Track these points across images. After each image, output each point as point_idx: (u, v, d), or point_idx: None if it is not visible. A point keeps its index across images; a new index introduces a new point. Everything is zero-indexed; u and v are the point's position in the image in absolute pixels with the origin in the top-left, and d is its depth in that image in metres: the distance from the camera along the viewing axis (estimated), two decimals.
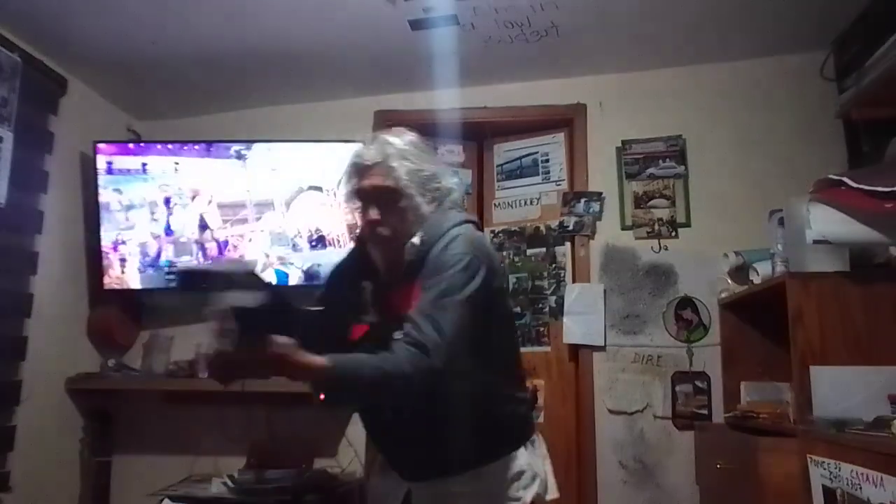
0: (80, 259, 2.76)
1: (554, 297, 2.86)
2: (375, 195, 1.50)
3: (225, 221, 2.80)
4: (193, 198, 2.81)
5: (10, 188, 2.25)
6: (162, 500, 2.33)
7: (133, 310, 2.93)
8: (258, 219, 2.80)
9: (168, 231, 2.80)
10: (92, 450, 2.63)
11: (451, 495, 1.49)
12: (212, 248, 2.80)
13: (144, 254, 2.79)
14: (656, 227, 2.74)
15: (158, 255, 2.80)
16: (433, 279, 1.41)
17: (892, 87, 2.00)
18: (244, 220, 2.80)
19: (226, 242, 2.80)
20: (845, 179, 1.81)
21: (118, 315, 2.85)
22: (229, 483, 2.41)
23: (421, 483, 1.53)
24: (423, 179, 1.50)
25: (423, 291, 1.41)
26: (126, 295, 2.84)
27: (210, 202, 2.80)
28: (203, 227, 2.80)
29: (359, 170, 1.51)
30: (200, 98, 2.98)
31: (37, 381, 2.44)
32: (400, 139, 1.53)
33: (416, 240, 1.49)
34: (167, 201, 2.80)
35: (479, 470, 1.50)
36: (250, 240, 2.79)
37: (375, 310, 1.56)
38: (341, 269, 1.70)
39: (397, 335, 1.37)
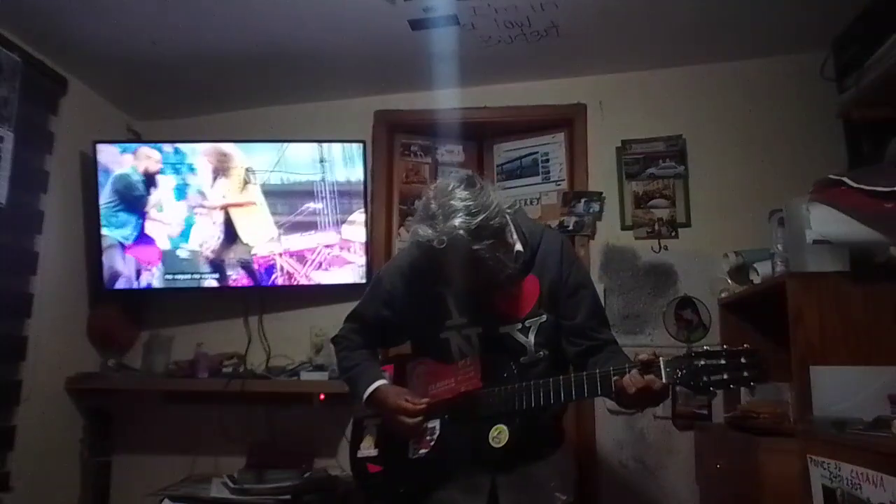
0: (80, 259, 2.76)
1: None
2: (453, 269, 1.55)
3: (240, 220, 2.82)
4: (205, 198, 2.82)
5: (10, 188, 2.25)
6: (162, 500, 2.33)
7: (133, 310, 2.93)
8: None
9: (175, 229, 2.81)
10: (92, 450, 2.63)
11: (536, 477, 1.65)
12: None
13: (146, 254, 2.79)
14: (656, 227, 2.74)
15: (162, 255, 2.81)
16: (580, 291, 1.69)
17: (892, 87, 1.99)
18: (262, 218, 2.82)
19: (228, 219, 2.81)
20: (845, 179, 1.81)
21: (118, 315, 2.85)
22: (229, 483, 2.41)
23: (509, 472, 1.64)
24: (494, 230, 1.52)
25: (573, 299, 1.67)
26: (126, 295, 2.84)
27: (223, 199, 2.82)
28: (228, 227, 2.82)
29: (431, 251, 1.51)
30: (200, 98, 2.98)
31: (37, 381, 2.44)
32: (460, 214, 1.48)
33: (518, 247, 1.66)
34: (175, 197, 2.82)
35: (555, 454, 1.72)
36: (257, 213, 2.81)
37: (470, 312, 1.69)
38: (404, 280, 1.77)
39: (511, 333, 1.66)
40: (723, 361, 1.36)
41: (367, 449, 1.80)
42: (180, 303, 2.93)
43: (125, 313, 2.88)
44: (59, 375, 2.60)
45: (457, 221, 1.47)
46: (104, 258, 2.77)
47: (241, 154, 2.82)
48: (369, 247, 2.83)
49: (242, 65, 2.68)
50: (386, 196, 2.99)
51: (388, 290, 1.79)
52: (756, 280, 2.23)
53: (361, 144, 2.85)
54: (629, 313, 2.70)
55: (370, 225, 2.86)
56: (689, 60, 2.77)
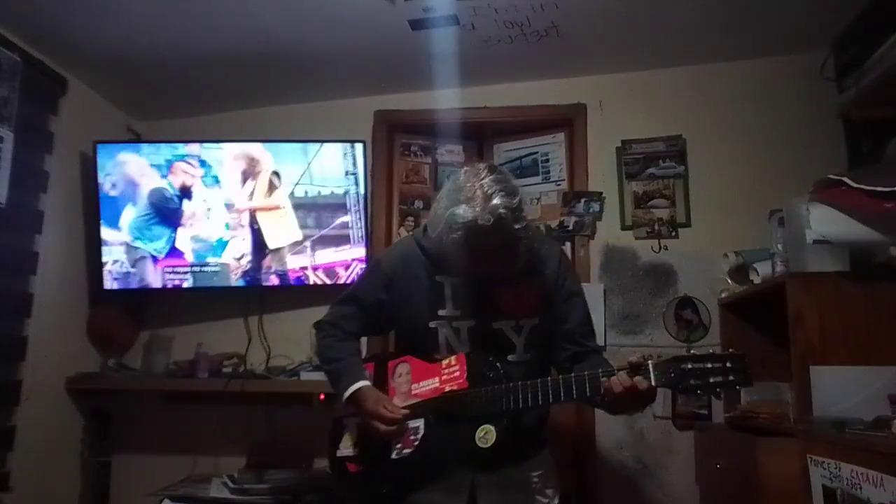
0: (80, 259, 2.76)
1: None
2: (493, 250, 1.54)
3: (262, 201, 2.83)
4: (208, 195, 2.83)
5: (10, 188, 2.25)
6: (162, 500, 2.33)
7: (133, 310, 2.93)
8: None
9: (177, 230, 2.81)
10: (92, 450, 2.63)
11: (518, 477, 1.67)
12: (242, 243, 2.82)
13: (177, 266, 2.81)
14: (656, 227, 2.74)
15: (192, 268, 2.81)
16: (574, 298, 1.72)
17: (892, 87, 2.00)
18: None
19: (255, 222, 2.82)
20: (845, 179, 1.81)
21: (118, 315, 2.85)
22: (229, 483, 2.41)
23: (491, 474, 1.63)
24: (524, 214, 1.55)
25: (566, 305, 1.70)
26: (126, 295, 2.84)
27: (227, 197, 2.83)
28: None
29: (474, 231, 1.49)
30: (200, 98, 2.98)
31: (37, 381, 2.44)
32: (500, 195, 1.49)
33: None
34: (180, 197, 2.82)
35: (541, 455, 1.74)
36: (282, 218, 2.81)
37: (465, 305, 1.68)
38: (404, 265, 1.75)
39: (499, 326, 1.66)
40: (710, 365, 1.38)
41: (347, 448, 1.78)
42: (180, 303, 2.93)
43: (125, 313, 2.88)
44: (59, 375, 2.60)
45: (498, 200, 1.47)
46: (135, 269, 2.78)
47: (269, 157, 2.81)
48: (369, 247, 2.83)
49: (242, 65, 2.68)
50: (386, 196, 2.99)
51: (387, 273, 1.77)
52: (756, 280, 2.23)
53: (361, 144, 2.85)
54: (629, 313, 2.70)
55: (370, 225, 2.86)
56: (689, 60, 2.77)
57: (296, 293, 2.86)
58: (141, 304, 2.96)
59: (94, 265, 2.77)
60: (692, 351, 1.42)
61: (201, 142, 2.84)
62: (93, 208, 2.75)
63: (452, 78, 2.74)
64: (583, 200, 2.81)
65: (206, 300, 2.90)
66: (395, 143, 3.07)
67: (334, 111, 3.01)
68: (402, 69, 2.77)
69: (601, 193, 2.81)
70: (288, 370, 2.75)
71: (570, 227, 2.80)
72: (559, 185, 2.97)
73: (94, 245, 2.76)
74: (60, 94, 2.59)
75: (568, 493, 2.67)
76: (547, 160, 3.02)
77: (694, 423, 2.54)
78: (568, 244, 2.84)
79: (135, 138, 3.03)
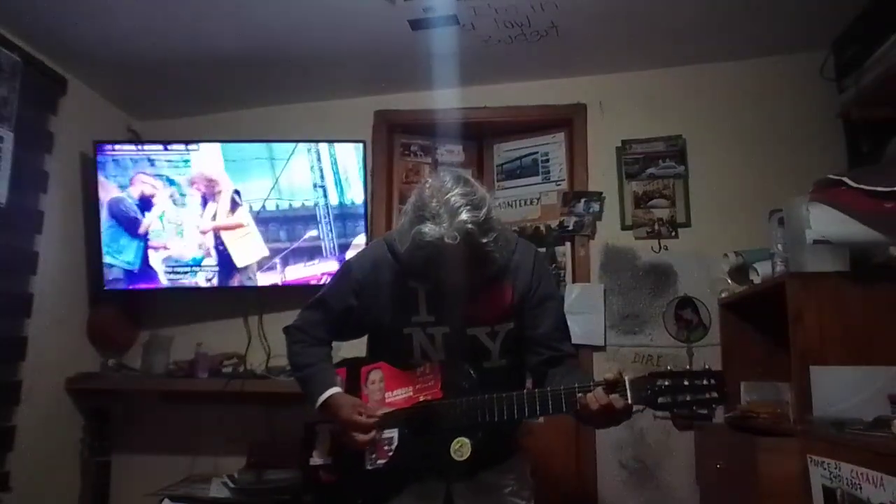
0: (80, 259, 2.76)
1: None
2: (462, 263, 1.51)
3: (225, 220, 2.82)
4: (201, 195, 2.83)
5: (10, 188, 2.25)
6: (162, 500, 2.34)
7: (133, 310, 2.93)
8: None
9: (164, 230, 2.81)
10: (92, 450, 2.63)
11: (492, 483, 1.66)
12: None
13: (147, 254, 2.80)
14: (656, 227, 2.74)
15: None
16: (547, 302, 1.68)
17: (892, 87, 2.00)
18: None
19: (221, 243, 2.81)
20: (845, 179, 1.82)
21: (118, 315, 2.85)
22: (229, 483, 2.41)
23: (465, 480, 1.62)
24: (492, 224, 1.50)
25: (539, 310, 1.66)
26: (126, 295, 2.84)
27: (214, 200, 2.82)
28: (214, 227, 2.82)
29: (441, 248, 1.46)
30: (200, 98, 2.98)
31: (37, 381, 2.44)
32: (467, 209, 1.45)
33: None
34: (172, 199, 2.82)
35: (511, 460, 1.72)
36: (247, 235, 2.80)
37: (439, 311, 1.64)
38: (375, 271, 1.71)
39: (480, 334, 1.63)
40: (686, 383, 1.37)
41: (320, 456, 1.74)
42: (180, 303, 2.93)
43: (125, 313, 2.89)
44: (59, 375, 2.60)
45: (465, 216, 1.43)
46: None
47: (227, 179, 2.80)
48: None
49: (242, 65, 2.68)
50: (386, 196, 2.98)
51: (357, 278, 1.71)
52: (756, 280, 2.23)
53: (361, 144, 2.85)
54: (629, 313, 2.70)
55: (370, 225, 2.87)
56: (689, 60, 2.77)
57: (296, 293, 2.85)
58: (140, 304, 2.97)
59: (94, 265, 2.77)
60: (668, 367, 1.42)
61: (165, 143, 2.83)
62: (93, 208, 2.75)
63: (452, 78, 2.74)
64: (583, 200, 2.81)
65: (206, 300, 2.90)
66: (395, 143, 3.07)
67: (334, 111, 3.01)
68: (402, 69, 2.77)
69: (601, 193, 2.81)
70: (288, 370, 2.74)
71: (570, 227, 2.80)
72: (559, 185, 2.97)
73: (95, 245, 2.76)
74: (60, 94, 2.59)
75: (567, 493, 2.67)
76: (547, 160, 3.02)
77: (694, 423, 2.54)
78: (568, 244, 2.85)
79: (135, 138, 3.03)
